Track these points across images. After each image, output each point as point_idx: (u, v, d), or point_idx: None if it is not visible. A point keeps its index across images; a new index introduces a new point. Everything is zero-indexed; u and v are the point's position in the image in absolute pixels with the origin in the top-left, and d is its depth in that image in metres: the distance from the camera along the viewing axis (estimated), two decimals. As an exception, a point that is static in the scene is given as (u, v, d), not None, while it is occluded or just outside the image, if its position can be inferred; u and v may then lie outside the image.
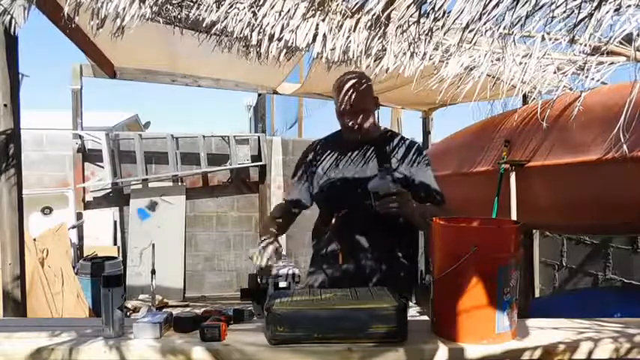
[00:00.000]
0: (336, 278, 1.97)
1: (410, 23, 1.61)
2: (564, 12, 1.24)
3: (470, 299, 1.39)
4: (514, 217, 2.83)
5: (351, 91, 1.93)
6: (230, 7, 1.97)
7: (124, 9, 1.91)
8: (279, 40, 1.96)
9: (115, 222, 5.88)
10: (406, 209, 1.81)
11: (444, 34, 1.80)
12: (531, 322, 1.57)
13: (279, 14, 1.88)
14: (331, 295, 1.51)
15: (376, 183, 1.82)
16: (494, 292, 1.39)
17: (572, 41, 1.65)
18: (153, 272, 4.68)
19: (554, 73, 2.24)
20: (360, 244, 1.96)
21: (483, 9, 1.23)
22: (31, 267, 3.07)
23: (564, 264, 3.98)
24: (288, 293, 1.53)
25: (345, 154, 2.03)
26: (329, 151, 2.08)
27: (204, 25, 2.17)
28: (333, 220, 2.02)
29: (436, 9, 1.31)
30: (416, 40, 1.98)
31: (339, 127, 2.07)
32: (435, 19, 1.36)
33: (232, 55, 2.69)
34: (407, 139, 2.08)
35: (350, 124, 1.97)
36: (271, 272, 1.71)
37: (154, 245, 4.82)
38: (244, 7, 1.95)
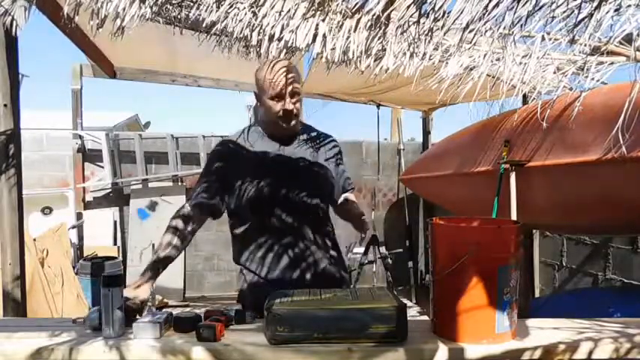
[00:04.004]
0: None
1: (410, 23, 1.61)
2: (564, 12, 1.24)
3: (470, 299, 1.40)
4: (514, 217, 2.83)
5: (288, 74, 1.81)
6: (230, 7, 1.97)
7: (123, 9, 1.91)
8: (279, 40, 1.96)
9: (115, 222, 5.87)
10: None
11: (444, 34, 1.79)
12: (531, 322, 1.57)
13: (279, 14, 1.88)
14: (331, 295, 1.51)
15: None
16: (494, 292, 1.39)
17: (572, 41, 1.65)
18: (153, 272, 4.67)
19: (554, 73, 2.24)
20: (310, 250, 1.86)
21: (483, 9, 1.23)
22: (31, 267, 3.06)
23: (564, 264, 3.98)
24: (288, 293, 1.53)
25: (278, 154, 1.89)
26: (255, 152, 1.89)
27: (204, 25, 2.17)
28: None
29: (436, 9, 1.31)
30: (416, 40, 1.97)
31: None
32: (435, 19, 1.36)
33: (232, 55, 2.69)
34: (323, 134, 2.03)
35: (289, 108, 1.82)
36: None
37: (154, 245, 4.80)
38: (244, 7, 1.96)
